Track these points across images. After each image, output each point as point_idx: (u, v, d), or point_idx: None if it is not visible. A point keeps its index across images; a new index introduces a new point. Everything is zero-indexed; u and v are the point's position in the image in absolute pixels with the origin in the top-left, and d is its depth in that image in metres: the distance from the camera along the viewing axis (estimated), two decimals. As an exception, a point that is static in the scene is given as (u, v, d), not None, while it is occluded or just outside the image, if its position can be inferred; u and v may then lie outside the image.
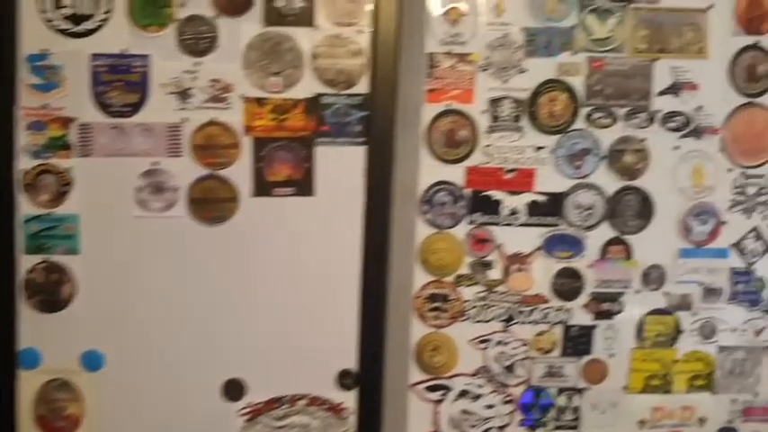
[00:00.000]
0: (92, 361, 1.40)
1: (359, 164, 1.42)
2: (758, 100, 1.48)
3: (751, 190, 1.50)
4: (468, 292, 1.47)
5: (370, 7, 1.38)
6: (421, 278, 1.46)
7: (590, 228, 1.47)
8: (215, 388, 1.43)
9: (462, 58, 1.40)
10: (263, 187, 1.40)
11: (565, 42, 1.41)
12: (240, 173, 1.39)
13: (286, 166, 1.40)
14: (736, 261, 1.52)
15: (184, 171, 1.38)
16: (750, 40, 1.46)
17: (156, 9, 1.34)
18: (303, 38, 1.38)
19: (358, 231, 1.43)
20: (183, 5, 1.34)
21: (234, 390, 1.43)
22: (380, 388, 1.46)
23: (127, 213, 1.37)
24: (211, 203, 1.40)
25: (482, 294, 1.47)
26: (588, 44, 1.42)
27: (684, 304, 1.52)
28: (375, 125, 1.40)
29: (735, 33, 1.45)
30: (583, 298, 1.49)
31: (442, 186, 1.43)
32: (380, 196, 1.43)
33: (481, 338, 1.48)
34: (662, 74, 1.44)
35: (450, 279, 1.46)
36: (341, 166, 1.42)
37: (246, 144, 1.39)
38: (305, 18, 1.37)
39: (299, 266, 1.43)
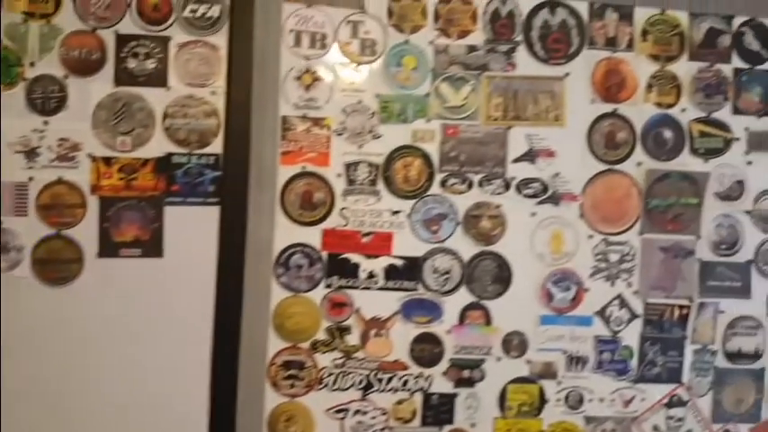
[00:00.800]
0: (-75, 428, 1.35)
1: (212, 225, 1.42)
2: (617, 167, 1.52)
3: (613, 257, 1.53)
4: (324, 359, 1.46)
5: (224, 69, 1.40)
6: (275, 344, 1.45)
7: (448, 292, 1.48)
8: (55, 457, 1.38)
9: (317, 122, 1.43)
10: (109, 248, 1.40)
11: (419, 109, 1.45)
12: (86, 233, 1.38)
13: (134, 226, 1.40)
14: (600, 329, 1.53)
15: (29, 230, 1.37)
16: (608, 107, 1.51)
17: (5, 68, 1.35)
18: (155, 98, 1.39)
19: (210, 295, 1.43)
20: (33, 65, 1.35)
21: (74, 461, 1.38)
22: (231, 460, 1.42)
23: (-32, 273, 1.35)
24: (56, 264, 1.38)
25: (339, 361, 1.47)
26: (442, 111, 1.46)
27: (548, 373, 1.52)
28: (228, 185, 1.41)
29: (592, 101, 1.50)
30: (443, 365, 1.48)
31: (297, 249, 1.44)
32: (234, 258, 1.43)
33: (338, 408, 1.47)
34: (518, 141, 1.48)
35: (306, 345, 1.45)
36: (192, 227, 1.42)
37: (93, 204, 1.38)
38: (157, 79, 1.40)
39: (146, 330, 1.41)
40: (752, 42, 1.59)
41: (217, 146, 1.43)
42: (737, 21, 1.58)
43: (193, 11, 1.41)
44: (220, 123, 1.42)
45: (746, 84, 1.59)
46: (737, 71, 1.58)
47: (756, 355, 1.61)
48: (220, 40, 1.42)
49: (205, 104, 1.42)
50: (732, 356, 1.60)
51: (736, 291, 1.59)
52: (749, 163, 1.59)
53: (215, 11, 1.41)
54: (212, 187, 1.43)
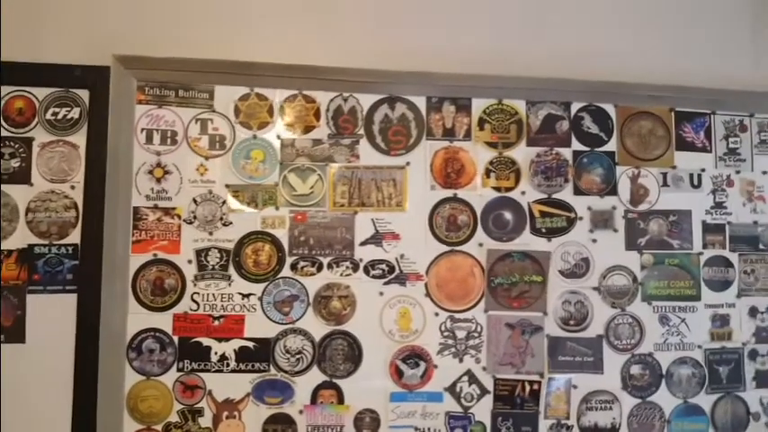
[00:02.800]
0: None
1: (71, 311, 1.54)
2: (460, 248, 1.64)
3: (460, 334, 1.63)
4: (178, 441, 1.55)
5: (83, 165, 1.55)
6: (130, 426, 1.54)
7: (300, 372, 1.58)
8: None
9: (167, 211, 1.57)
10: (-28, 336, 1.51)
11: (268, 198, 1.59)
12: (-51, 322, 1.50)
13: (-4, 314, 1.52)
14: (452, 405, 1.62)
15: None
16: (448, 192, 1.65)
17: None
18: (19, 194, 1.54)
19: (69, 379, 1.53)
20: None
21: None
22: None
23: None
24: None
25: (193, 442, 1.55)
26: (291, 199, 1.60)
27: (401, 450, 1.60)
28: (84, 274, 1.54)
29: (432, 187, 1.64)
30: (296, 445, 1.57)
31: (150, 333, 1.55)
32: (90, 344, 1.53)
33: (191, 489, 1.54)
34: (364, 225, 1.62)
35: (159, 427, 1.54)
36: (52, 314, 1.55)
37: (-43, 294, 1.51)
38: (21, 176, 1.56)
39: (10, 415, 1.50)
40: (590, 126, 1.75)
41: (75, 236, 1.56)
42: (575, 106, 1.74)
43: (55, 113, 1.58)
44: (79, 215, 1.56)
45: (587, 165, 1.73)
46: (577, 153, 1.72)
47: (613, 430, 1.68)
48: (80, 139, 1.58)
49: (65, 198, 1.57)
50: (588, 431, 1.67)
51: (588, 365, 1.69)
52: (594, 241, 1.71)
53: (75, 113, 1.59)
54: (71, 276, 1.55)
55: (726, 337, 1.77)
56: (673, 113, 1.80)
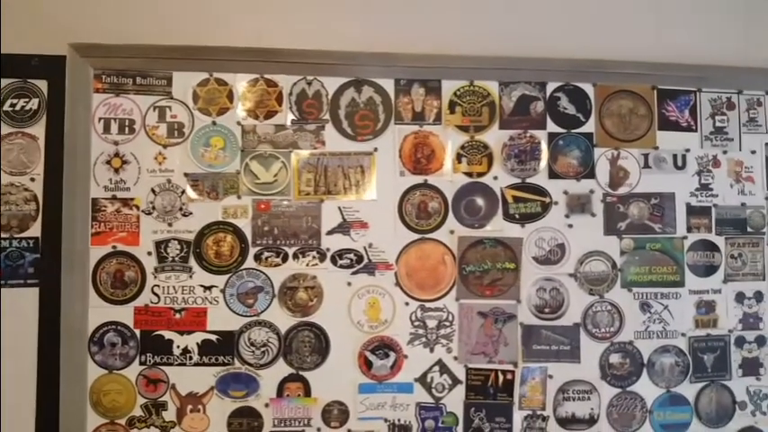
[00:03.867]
0: None
1: (32, 305, 1.52)
2: (430, 235, 1.59)
3: (431, 323, 1.59)
4: (142, 435, 1.53)
5: (42, 157, 1.52)
6: (94, 420, 1.52)
7: (265, 365, 1.54)
8: None
9: (126, 202, 1.53)
10: (-68, 331, 1.49)
11: (230, 187, 1.54)
12: None
13: (-44, 309, 1.50)
14: (422, 395, 1.57)
15: None
16: (419, 179, 1.59)
17: None
18: (-23, 188, 1.52)
19: (33, 373, 1.51)
20: None
21: None
22: None
23: None
24: None
25: (157, 437, 1.53)
26: (254, 187, 1.55)
27: (370, 443, 1.56)
28: (45, 267, 1.51)
29: (402, 173, 1.59)
30: (262, 438, 1.54)
31: (111, 327, 1.52)
32: (52, 338, 1.51)
33: (156, 484, 1.52)
34: (331, 213, 1.57)
35: (123, 421, 1.52)
36: (14, 308, 1.54)
37: None
38: (-20, 169, 1.52)
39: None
40: (567, 106, 1.68)
41: (36, 230, 1.54)
42: (551, 86, 1.67)
43: (13, 105, 1.55)
44: (39, 208, 1.53)
45: (563, 148, 1.67)
46: (553, 136, 1.66)
47: (592, 420, 1.63)
48: (39, 130, 1.55)
49: (25, 191, 1.55)
50: (565, 422, 1.63)
51: (564, 354, 1.63)
52: (570, 226, 1.65)
53: (33, 104, 1.56)
54: (32, 269, 1.53)
55: (711, 324, 1.71)
56: (655, 91, 1.72)
